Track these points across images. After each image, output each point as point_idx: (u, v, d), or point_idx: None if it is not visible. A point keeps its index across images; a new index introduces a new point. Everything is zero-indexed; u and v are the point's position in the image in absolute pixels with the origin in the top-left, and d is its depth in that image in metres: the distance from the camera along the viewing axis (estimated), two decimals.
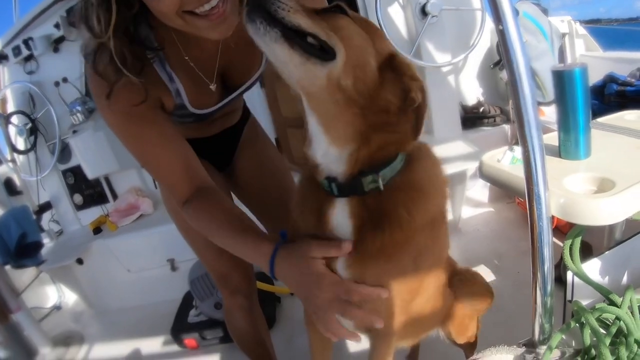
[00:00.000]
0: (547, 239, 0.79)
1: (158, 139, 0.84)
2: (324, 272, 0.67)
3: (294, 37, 0.55)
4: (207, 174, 0.90)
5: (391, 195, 0.64)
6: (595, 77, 2.18)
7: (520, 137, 0.74)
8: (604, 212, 0.83)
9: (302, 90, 0.61)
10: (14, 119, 2.75)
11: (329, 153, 0.63)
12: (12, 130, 2.76)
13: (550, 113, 2.15)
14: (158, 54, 0.82)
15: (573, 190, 0.90)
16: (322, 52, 0.57)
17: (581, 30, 2.71)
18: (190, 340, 1.96)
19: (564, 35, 2.56)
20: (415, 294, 0.74)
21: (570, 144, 0.99)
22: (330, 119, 0.61)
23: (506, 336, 0.95)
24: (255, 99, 2.63)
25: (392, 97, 0.61)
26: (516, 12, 1.98)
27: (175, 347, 2.01)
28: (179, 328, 2.00)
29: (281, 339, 1.72)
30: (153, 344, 2.09)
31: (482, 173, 1.13)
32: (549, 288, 0.81)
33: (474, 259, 2.13)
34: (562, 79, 0.94)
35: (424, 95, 0.61)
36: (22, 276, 2.49)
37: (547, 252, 0.80)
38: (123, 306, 2.45)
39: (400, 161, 0.65)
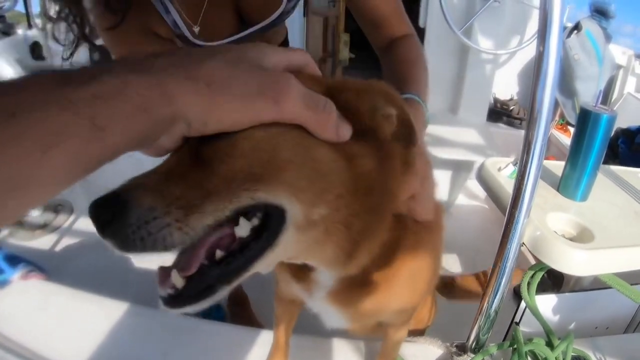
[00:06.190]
0: (511, 260, 0.80)
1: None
2: None
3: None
4: None
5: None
6: (634, 121, 2.11)
7: (520, 162, 0.73)
8: (569, 261, 0.81)
9: None
10: None
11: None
12: None
13: None
14: None
15: (552, 227, 0.87)
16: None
17: (639, 69, 2.53)
18: None
19: (619, 67, 2.43)
20: None
21: (571, 182, 0.96)
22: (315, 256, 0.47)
23: (452, 329, 0.98)
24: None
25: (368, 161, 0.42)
26: (577, 27, 1.88)
27: None
28: None
29: (258, 282, 1.80)
30: None
31: (479, 175, 1.11)
32: (495, 304, 0.83)
33: (452, 245, 2.11)
34: (587, 118, 0.90)
35: (403, 119, 0.44)
36: None
37: (507, 273, 0.81)
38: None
39: None
